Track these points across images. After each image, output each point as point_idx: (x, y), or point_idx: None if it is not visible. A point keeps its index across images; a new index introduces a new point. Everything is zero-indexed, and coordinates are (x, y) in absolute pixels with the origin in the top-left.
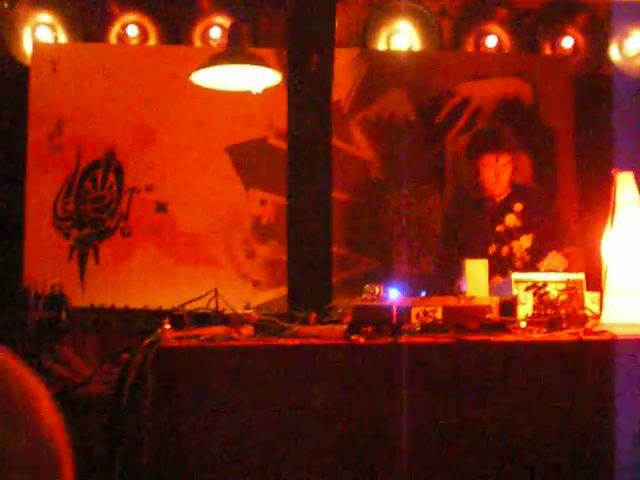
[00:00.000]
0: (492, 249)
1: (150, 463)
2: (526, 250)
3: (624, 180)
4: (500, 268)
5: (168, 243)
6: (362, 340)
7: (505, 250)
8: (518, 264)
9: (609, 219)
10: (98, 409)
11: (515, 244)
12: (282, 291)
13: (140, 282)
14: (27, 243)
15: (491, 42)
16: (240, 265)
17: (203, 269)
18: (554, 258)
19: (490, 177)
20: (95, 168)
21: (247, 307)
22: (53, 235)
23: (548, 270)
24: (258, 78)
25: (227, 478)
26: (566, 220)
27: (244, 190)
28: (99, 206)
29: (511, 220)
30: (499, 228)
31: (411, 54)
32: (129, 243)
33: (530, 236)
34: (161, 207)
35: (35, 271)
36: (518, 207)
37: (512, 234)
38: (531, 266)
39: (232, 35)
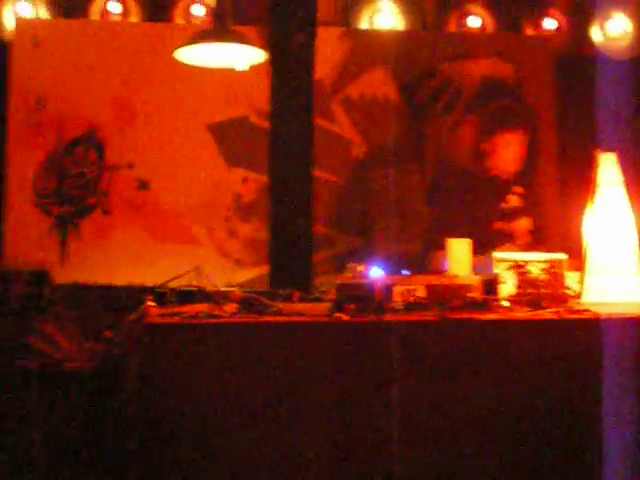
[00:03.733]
0: (498, 225)
1: (137, 441)
2: (528, 231)
3: (606, 161)
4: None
5: (149, 221)
6: (346, 317)
7: (508, 228)
8: (519, 242)
9: (590, 199)
10: (80, 386)
11: (515, 224)
12: (263, 269)
13: (121, 259)
14: (8, 220)
15: (474, 22)
16: (221, 243)
17: (184, 247)
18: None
19: (503, 155)
20: (76, 145)
21: (229, 285)
22: (34, 212)
23: None
24: (243, 56)
25: (215, 452)
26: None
27: (226, 168)
28: (80, 183)
29: (514, 200)
30: (503, 206)
31: (394, 33)
32: (110, 220)
33: (530, 219)
34: (143, 185)
35: (16, 248)
36: (518, 189)
37: (515, 213)
38: (532, 247)
39: (217, 12)
